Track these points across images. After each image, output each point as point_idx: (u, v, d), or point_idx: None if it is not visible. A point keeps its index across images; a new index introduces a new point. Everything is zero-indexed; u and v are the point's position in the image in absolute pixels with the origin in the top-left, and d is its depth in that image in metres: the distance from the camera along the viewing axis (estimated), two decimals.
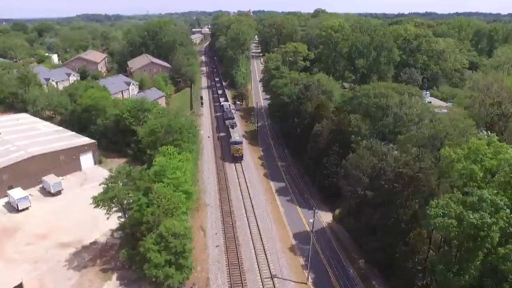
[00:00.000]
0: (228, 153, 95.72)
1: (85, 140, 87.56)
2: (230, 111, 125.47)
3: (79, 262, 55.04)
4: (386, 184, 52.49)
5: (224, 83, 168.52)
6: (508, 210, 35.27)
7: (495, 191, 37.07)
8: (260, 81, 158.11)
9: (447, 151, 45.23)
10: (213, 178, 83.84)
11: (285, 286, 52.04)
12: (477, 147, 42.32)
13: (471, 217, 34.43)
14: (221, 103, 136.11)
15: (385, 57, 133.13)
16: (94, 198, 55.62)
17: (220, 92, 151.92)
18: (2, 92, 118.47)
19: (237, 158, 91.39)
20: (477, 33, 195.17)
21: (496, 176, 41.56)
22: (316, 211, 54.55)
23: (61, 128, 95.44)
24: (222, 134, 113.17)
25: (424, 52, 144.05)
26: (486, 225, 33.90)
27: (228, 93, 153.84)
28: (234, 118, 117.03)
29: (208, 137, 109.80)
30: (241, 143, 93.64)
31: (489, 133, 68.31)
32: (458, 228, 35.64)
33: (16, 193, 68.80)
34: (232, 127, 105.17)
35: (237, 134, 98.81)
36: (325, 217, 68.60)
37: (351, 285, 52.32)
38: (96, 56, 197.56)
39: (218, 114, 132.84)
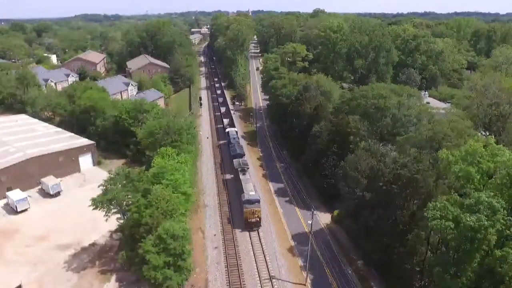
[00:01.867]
0: (239, 210, 67.72)
1: (84, 141, 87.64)
2: (239, 142, 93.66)
3: (78, 264, 55.13)
4: (384, 186, 52.63)
5: (223, 84, 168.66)
6: (505, 212, 35.50)
7: (492, 193, 37.22)
8: (256, 69, 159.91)
9: (445, 153, 45.44)
10: (212, 179, 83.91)
11: (283, 287, 52.15)
12: (474, 149, 42.55)
13: (468, 219, 34.58)
14: (226, 128, 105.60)
15: (383, 58, 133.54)
16: (93, 200, 55.71)
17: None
18: (0, 93, 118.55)
19: (252, 225, 63.59)
20: (475, 33, 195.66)
21: (493, 178, 41.72)
22: (314, 212, 54.72)
23: (60, 129, 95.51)
24: (228, 176, 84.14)
25: (423, 53, 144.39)
26: (483, 228, 34.07)
27: (227, 93, 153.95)
28: (244, 154, 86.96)
29: (207, 138, 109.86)
30: (258, 201, 64.08)
31: (487, 134, 68.69)
32: (455, 230, 35.82)
33: (15, 194, 68.86)
34: (243, 171, 74.73)
35: (251, 185, 68.85)
36: (324, 218, 68.75)
37: (349, 286, 52.43)
38: (95, 57, 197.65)
39: (221, 142, 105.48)
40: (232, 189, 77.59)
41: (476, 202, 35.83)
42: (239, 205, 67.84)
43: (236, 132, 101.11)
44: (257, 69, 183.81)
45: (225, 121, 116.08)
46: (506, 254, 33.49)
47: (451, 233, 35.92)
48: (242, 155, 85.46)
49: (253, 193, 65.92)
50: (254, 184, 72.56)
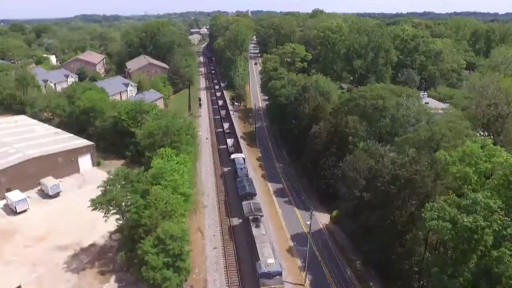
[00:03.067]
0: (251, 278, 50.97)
1: (83, 142, 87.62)
2: (247, 174, 75.10)
3: (77, 265, 55.23)
4: (382, 186, 52.70)
5: (222, 84, 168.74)
6: (502, 213, 35.66)
7: (489, 194, 37.37)
8: (255, 64, 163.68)
9: (442, 154, 45.59)
10: (211, 179, 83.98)
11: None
12: (471, 150, 42.72)
13: (465, 220, 34.76)
14: (231, 155, 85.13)
15: (382, 58, 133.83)
16: (92, 200, 55.77)
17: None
18: (0, 94, 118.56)
19: None
20: (474, 33, 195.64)
21: (490, 179, 41.88)
22: (313, 212, 54.82)
23: (59, 130, 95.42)
24: (235, 221, 65.30)
25: (422, 53, 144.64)
26: (479, 228, 34.23)
27: (227, 94, 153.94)
28: (256, 194, 67.85)
29: (206, 138, 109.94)
30: (280, 274, 47.52)
31: (486, 134, 68.89)
32: (453, 230, 35.97)
33: (14, 195, 68.84)
34: (257, 221, 56.91)
35: (269, 246, 51.69)
36: (323, 219, 68.91)
37: (348, 286, 52.60)
38: (94, 57, 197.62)
39: (225, 169, 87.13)
40: (240, 244, 59.32)
41: (473, 202, 36.02)
42: (251, 265, 52.29)
43: (244, 159, 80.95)
44: (255, 64, 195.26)
45: (229, 141, 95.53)
46: (502, 254, 33.63)
47: (449, 234, 36.05)
48: (253, 195, 66.33)
49: (273, 260, 47.80)
50: (272, 243, 54.69)
